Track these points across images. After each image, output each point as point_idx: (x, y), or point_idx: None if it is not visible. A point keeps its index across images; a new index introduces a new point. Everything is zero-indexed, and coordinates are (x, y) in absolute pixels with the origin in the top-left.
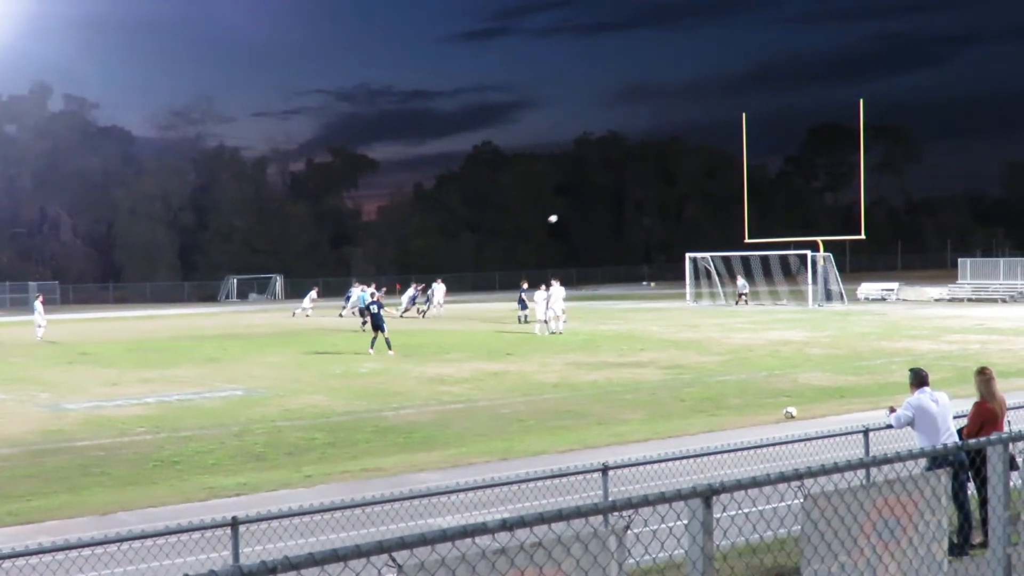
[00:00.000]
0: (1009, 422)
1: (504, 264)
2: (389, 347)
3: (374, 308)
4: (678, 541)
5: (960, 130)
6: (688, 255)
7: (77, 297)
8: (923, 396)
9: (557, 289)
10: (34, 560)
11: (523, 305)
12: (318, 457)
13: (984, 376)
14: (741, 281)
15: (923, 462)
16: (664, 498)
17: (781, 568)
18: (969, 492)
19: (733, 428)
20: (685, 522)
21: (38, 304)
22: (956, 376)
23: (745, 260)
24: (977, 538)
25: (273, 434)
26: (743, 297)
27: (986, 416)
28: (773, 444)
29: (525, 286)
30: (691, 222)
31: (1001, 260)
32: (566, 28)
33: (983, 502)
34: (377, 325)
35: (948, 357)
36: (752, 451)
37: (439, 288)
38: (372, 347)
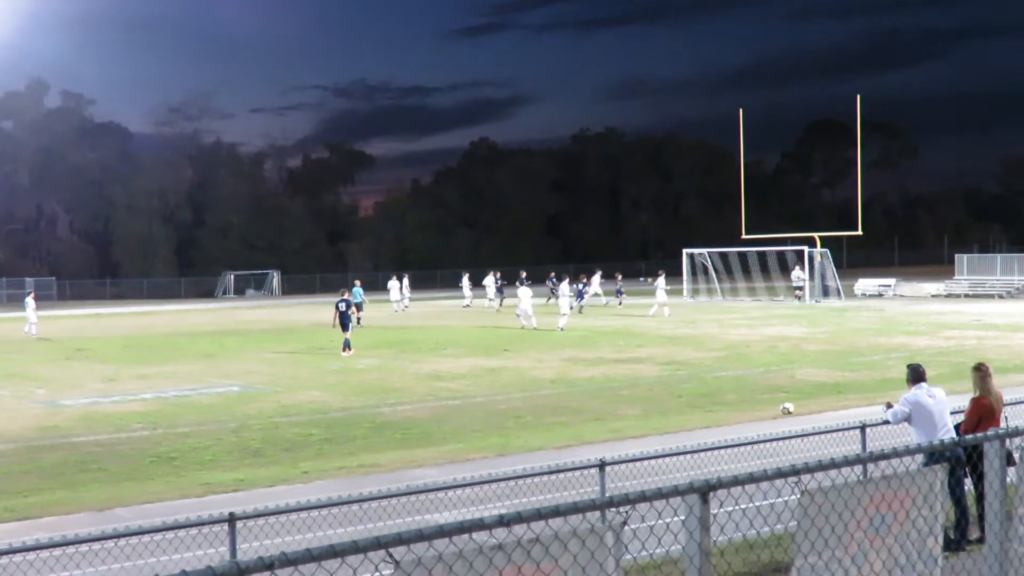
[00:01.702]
0: (1006, 418)
1: (501, 260)
2: (345, 347)
3: (342, 306)
4: (675, 537)
5: (957, 126)
6: (685, 251)
7: (74, 293)
8: (920, 392)
9: (524, 289)
10: (31, 556)
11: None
12: (315, 453)
13: (981, 372)
14: (797, 273)
15: (920, 458)
16: (661, 494)
17: (778, 564)
18: (966, 488)
19: (730, 424)
20: (682, 518)
21: (30, 300)
22: (953, 372)
23: (742, 256)
24: (974, 534)
25: (270, 430)
26: (799, 292)
27: (983, 412)
28: (770, 440)
29: (523, 274)
30: (688, 218)
31: (998, 256)
32: (563, 24)
33: (980, 497)
34: (343, 324)
35: (945, 353)
36: (749, 447)
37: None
38: (348, 348)
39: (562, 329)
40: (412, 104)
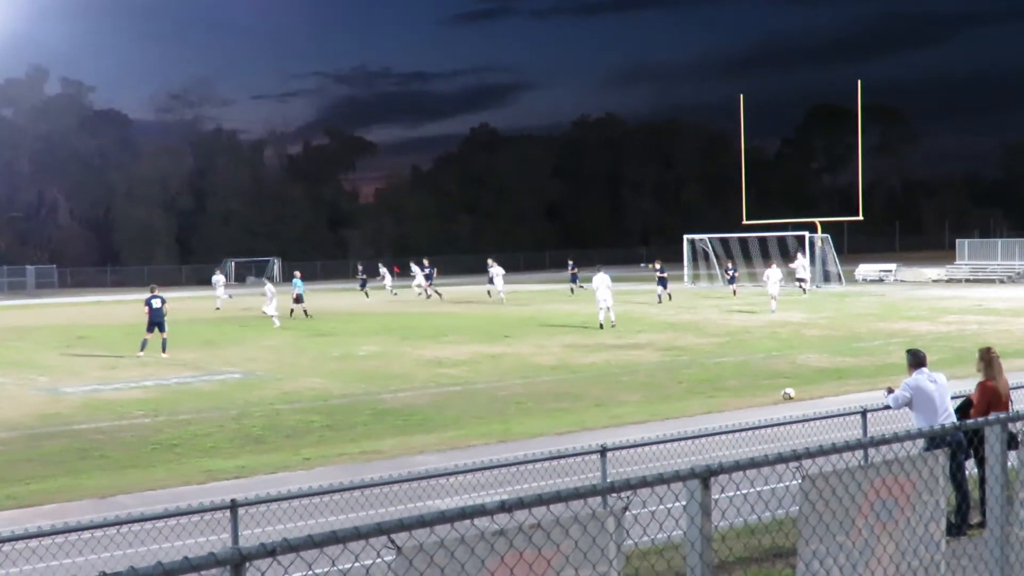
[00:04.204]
0: (1011, 401)
1: (501, 246)
2: (142, 347)
3: (156, 303)
4: (676, 522)
5: (958, 111)
6: (686, 237)
7: (75, 280)
8: (921, 377)
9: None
10: (34, 543)
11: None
12: (317, 440)
13: (988, 356)
14: (800, 261)
15: (921, 442)
16: (662, 479)
17: (779, 549)
18: (967, 472)
19: (731, 409)
20: (683, 503)
21: None
22: (954, 356)
23: (743, 242)
24: (975, 518)
25: (271, 417)
26: (802, 283)
27: (991, 396)
28: (771, 425)
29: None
30: (688, 204)
31: (999, 241)
32: (563, 9)
33: (981, 482)
34: (154, 322)
35: (946, 338)
36: (750, 432)
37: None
38: (143, 349)
39: (614, 325)
40: (413, 90)
